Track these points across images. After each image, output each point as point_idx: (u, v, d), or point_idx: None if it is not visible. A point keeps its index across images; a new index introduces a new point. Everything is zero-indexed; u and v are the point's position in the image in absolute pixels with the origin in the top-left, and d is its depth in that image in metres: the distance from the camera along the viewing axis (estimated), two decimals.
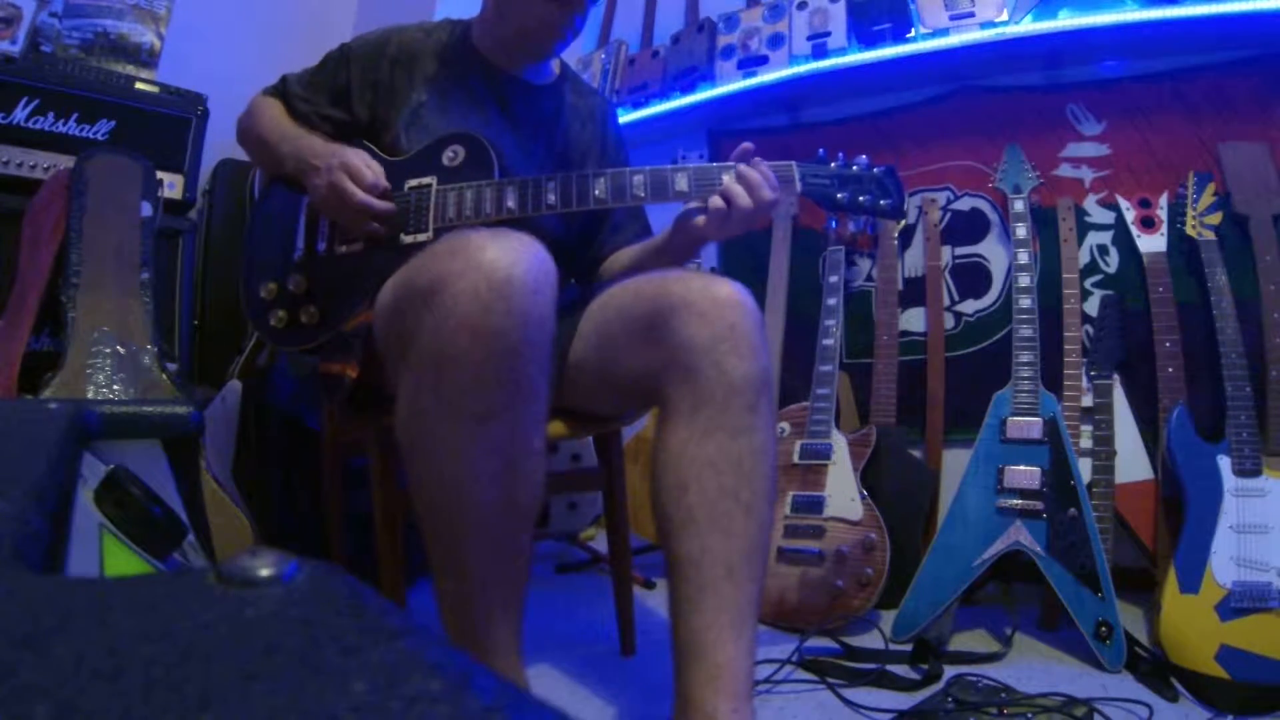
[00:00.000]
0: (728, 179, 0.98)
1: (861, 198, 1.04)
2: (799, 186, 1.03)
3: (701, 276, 0.92)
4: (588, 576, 1.79)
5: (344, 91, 1.13)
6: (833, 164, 1.06)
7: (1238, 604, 1.18)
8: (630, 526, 1.30)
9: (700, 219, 1.01)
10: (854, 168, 1.06)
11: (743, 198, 0.97)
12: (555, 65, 1.25)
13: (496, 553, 0.83)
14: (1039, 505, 1.34)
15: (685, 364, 0.87)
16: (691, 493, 0.84)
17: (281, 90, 1.19)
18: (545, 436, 0.85)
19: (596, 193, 1.00)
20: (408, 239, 1.00)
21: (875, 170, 1.06)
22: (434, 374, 0.77)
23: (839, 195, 1.04)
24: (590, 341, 1.01)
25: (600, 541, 1.85)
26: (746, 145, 1.01)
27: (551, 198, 0.99)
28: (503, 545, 0.83)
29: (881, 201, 1.05)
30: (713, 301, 0.88)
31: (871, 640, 1.33)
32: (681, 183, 1.00)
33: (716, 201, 0.98)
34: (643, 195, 1.00)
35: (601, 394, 1.05)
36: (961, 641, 1.34)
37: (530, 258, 0.77)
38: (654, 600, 1.57)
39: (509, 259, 0.75)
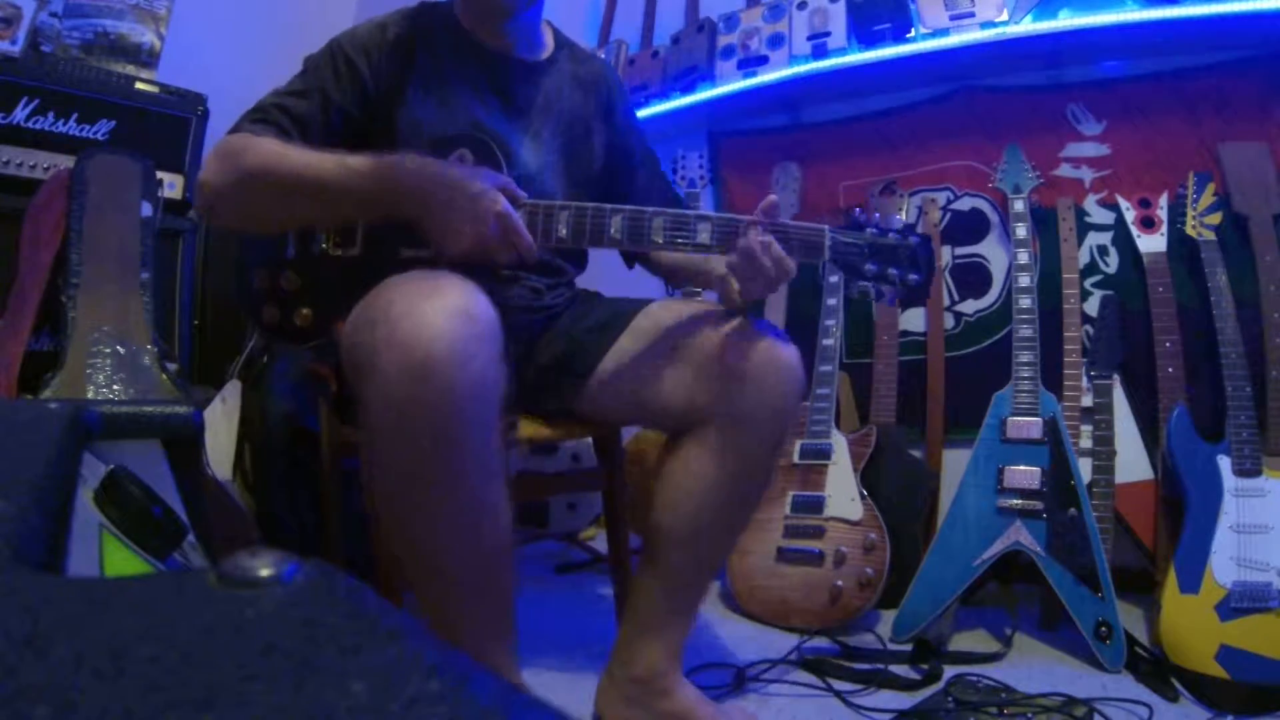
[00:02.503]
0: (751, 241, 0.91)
1: (890, 270, 0.95)
2: (827, 255, 0.94)
3: (770, 346, 0.94)
4: (588, 576, 1.78)
5: (357, 87, 1.02)
6: (868, 230, 0.95)
7: (1238, 604, 1.18)
8: (630, 526, 1.30)
9: (733, 287, 0.96)
10: (889, 236, 0.95)
11: (768, 269, 0.91)
12: (549, 36, 1.16)
13: (470, 593, 0.85)
14: (1039, 505, 1.34)
15: (733, 419, 0.93)
16: (694, 516, 0.95)
17: (276, 118, 0.99)
18: (505, 488, 0.83)
19: (612, 232, 0.95)
20: (408, 253, 0.97)
21: (910, 240, 0.95)
22: (378, 445, 0.77)
23: (866, 266, 0.94)
24: (631, 362, 1.00)
25: (600, 541, 1.85)
26: (772, 198, 0.93)
27: (563, 231, 0.94)
28: (476, 586, 0.84)
29: (910, 276, 0.95)
30: (776, 374, 0.93)
31: (871, 640, 1.33)
32: (703, 234, 0.93)
33: (744, 270, 0.93)
34: (660, 241, 0.94)
35: (625, 411, 1.06)
36: (961, 641, 1.34)
37: (455, 327, 0.73)
38: None
39: (428, 333, 0.71)
